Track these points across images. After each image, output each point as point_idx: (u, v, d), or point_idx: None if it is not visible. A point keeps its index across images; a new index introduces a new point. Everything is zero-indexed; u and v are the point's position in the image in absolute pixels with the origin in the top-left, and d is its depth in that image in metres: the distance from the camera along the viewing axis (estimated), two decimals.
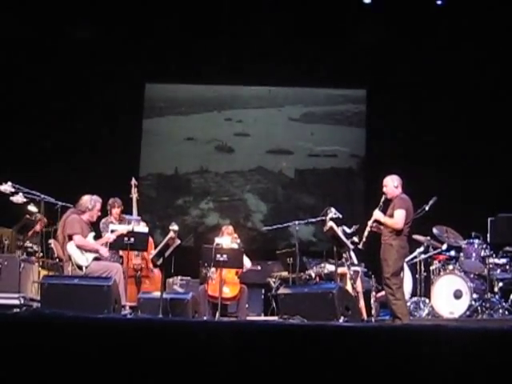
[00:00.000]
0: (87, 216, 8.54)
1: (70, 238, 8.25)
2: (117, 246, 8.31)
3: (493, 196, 10.60)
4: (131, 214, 9.31)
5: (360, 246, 7.91)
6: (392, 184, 7.85)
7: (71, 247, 8.21)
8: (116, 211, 9.07)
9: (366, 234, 7.85)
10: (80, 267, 8.15)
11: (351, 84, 12.68)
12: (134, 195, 9.57)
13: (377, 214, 7.82)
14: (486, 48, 11.47)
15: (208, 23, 12.03)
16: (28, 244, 9.73)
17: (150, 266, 8.96)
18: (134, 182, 9.72)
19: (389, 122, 12.12)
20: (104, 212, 8.93)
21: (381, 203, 7.85)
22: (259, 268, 9.93)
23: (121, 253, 8.69)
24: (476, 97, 11.65)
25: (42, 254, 9.27)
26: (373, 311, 9.04)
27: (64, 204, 8.95)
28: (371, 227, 7.85)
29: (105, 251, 8.28)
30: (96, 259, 8.27)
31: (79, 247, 8.21)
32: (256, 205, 12.82)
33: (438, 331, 4.18)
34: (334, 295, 7.19)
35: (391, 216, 7.70)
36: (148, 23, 12.10)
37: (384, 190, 7.91)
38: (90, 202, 8.56)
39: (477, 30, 11.41)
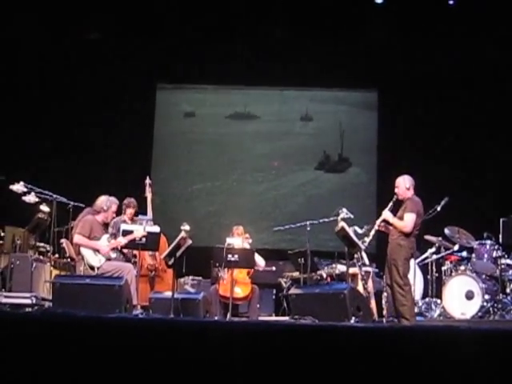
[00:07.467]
0: (102, 217, 8.54)
1: None
2: (128, 245, 8.30)
3: (505, 196, 10.55)
4: (145, 213, 9.11)
5: (364, 246, 7.88)
6: (404, 185, 7.83)
7: (84, 248, 8.24)
8: (130, 211, 8.90)
9: (372, 232, 7.84)
10: (92, 268, 8.17)
11: (362, 85, 12.65)
12: (149, 195, 9.39)
13: (386, 214, 7.80)
14: (500, 47, 11.40)
15: (218, 26, 12.03)
16: (40, 244, 9.77)
17: (164, 266, 8.85)
18: (148, 181, 9.55)
19: (401, 121, 12.08)
20: (118, 211, 8.87)
21: (391, 203, 7.84)
22: (274, 269, 9.90)
23: (135, 252, 8.61)
24: (490, 96, 11.60)
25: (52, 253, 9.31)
26: (384, 312, 9.00)
27: (76, 204, 8.99)
28: (379, 226, 7.84)
29: (106, 250, 8.26)
30: (108, 259, 8.29)
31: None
32: (267, 205, 12.81)
33: (449, 332, 4.17)
34: (346, 296, 7.19)
35: (401, 217, 7.69)
36: (159, 27, 12.11)
37: (396, 190, 7.89)
38: (106, 202, 8.55)
39: (489, 29, 11.35)
